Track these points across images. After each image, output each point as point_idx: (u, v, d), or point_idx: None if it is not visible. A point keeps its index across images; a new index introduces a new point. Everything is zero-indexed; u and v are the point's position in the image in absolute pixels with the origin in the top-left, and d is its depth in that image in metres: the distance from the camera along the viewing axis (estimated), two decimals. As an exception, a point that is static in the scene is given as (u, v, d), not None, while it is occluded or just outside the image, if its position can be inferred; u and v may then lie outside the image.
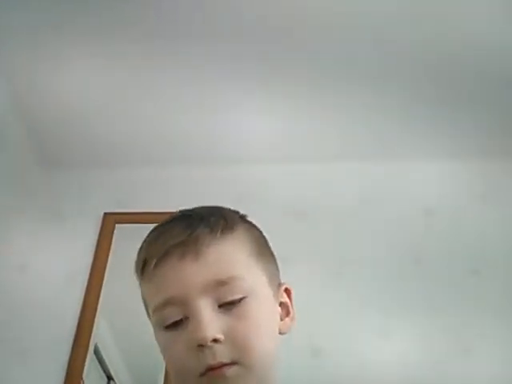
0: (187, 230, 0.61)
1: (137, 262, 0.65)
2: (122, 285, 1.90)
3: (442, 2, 1.63)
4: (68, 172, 2.16)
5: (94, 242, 1.96)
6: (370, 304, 1.73)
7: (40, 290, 1.85)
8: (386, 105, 1.93)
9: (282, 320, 0.64)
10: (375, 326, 1.70)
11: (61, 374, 1.68)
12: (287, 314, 0.66)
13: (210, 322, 0.56)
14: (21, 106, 1.98)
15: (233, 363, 0.56)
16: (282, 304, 0.66)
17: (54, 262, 1.92)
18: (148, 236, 0.66)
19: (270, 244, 0.70)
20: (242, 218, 0.69)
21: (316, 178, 2.06)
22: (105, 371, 1.78)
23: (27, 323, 1.79)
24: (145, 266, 0.62)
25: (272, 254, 0.68)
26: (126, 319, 1.86)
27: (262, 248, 0.66)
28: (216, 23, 1.72)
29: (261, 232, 0.69)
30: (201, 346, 0.55)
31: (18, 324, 1.79)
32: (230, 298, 0.58)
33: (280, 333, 0.63)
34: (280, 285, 0.67)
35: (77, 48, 1.79)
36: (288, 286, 0.68)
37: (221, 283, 0.58)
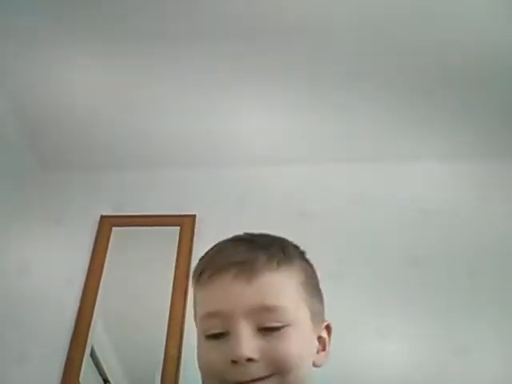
0: (247, 252, 0.65)
1: (195, 269, 0.70)
2: (119, 287, 1.91)
3: (442, 3, 1.64)
4: (66, 175, 2.17)
5: (91, 245, 1.96)
6: (368, 304, 1.74)
7: (38, 293, 1.86)
8: (384, 106, 1.95)
9: (317, 353, 0.68)
10: (373, 327, 1.71)
11: (57, 377, 1.68)
12: (323, 348, 0.69)
13: (248, 343, 0.60)
14: (19, 109, 1.98)
15: (266, 376, 0.60)
16: (320, 338, 0.69)
17: (52, 265, 1.93)
18: (211, 249, 0.71)
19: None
20: (301, 254, 0.73)
21: (315, 179, 2.08)
22: (101, 374, 1.78)
23: (25, 325, 1.80)
24: (201, 274, 0.67)
25: (320, 293, 0.72)
26: (122, 322, 1.87)
27: (312, 286, 0.70)
28: (216, 23, 1.72)
29: (314, 271, 0.73)
30: (235, 363, 0.60)
31: (15, 326, 1.79)
32: (271, 325, 0.62)
33: (314, 365, 0.66)
34: (322, 321, 0.70)
35: (76, 49, 1.80)
36: (329, 324, 0.71)
37: (265, 309, 0.62)
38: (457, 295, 1.76)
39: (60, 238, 2.00)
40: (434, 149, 2.06)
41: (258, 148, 2.09)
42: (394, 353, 1.65)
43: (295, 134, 2.06)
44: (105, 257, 1.93)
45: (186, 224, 1.99)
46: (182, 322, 1.75)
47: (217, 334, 0.63)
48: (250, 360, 0.59)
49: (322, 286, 1.70)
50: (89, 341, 1.76)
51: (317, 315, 0.68)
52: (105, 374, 1.78)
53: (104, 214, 2.04)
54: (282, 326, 0.62)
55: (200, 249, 2.13)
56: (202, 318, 0.65)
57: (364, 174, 2.07)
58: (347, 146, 2.08)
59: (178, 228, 1.98)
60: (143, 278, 1.86)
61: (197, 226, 1.99)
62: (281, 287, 0.64)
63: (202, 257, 0.71)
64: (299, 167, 2.09)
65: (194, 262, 2.14)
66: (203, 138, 2.09)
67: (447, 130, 2.00)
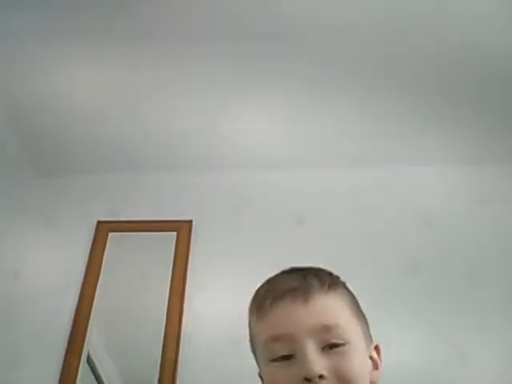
0: (301, 279, 0.70)
1: (253, 301, 0.74)
2: (115, 292, 1.91)
3: (442, 8, 1.65)
4: (62, 180, 2.17)
5: (88, 250, 1.96)
6: (368, 309, 1.75)
7: (34, 297, 1.85)
8: (384, 111, 1.96)
9: (371, 371, 0.71)
10: (374, 331, 1.71)
11: (54, 382, 1.68)
12: (376, 367, 0.73)
13: (317, 360, 0.63)
14: (15, 114, 1.98)
15: None
16: (371, 358, 0.72)
17: (48, 270, 1.93)
18: (265, 283, 0.75)
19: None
20: (341, 280, 0.77)
21: (313, 185, 2.08)
22: (97, 379, 1.78)
23: (20, 330, 1.79)
24: (261, 305, 0.70)
25: (365, 316, 0.76)
26: (118, 327, 1.86)
27: (358, 309, 0.75)
28: (216, 23, 1.71)
29: (355, 296, 0.77)
30: (307, 381, 0.62)
31: (11, 331, 1.79)
32: (334, 341, 0.65)
33: (371, 382, 0.69)
34: (371, 341, 0.74)
35: (75, 52, 1.79)
36: (378, 344, 0.75)
37: (327, 328, 0.66)
38: (455, 300, 1.77)
39: (56, 243, 2.00)
40: (435, 154, 2.07)
41: (255, 153, 2.09)
42: (393, 356, 1.66)
43: (294, 138, 2.06)
44: (101, 262, 1.93)
45: (182, 229, 1.99)
46: (179, 327, 1.75)
47: (282, 357, 0.65)
48: (321, 377, 0.62)
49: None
50: (85, 346, 1.76)
51: (366, 336, 0.73)
52: (101, 379, 1.78)
53: (100, 219, 2.04)
54: (343, 344, 0.65)
55: (197, 254, 2.14)
56: (266, 344, 0.68)
57: (363, 179, 2.07)
58: (346, 151, 2.08)
59: (175, 233, 1.99)
60: (140, 283, 1.86)
61: (193, 231, 1.99)
62: (335, 308, 0.69)
63: (259, 289, 0.75)
64: (298, 172, 2.09)
65: (191, 267, 2.14)
66: (200, 144, 2.09)
67: (449, 135, 2.01)
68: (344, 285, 0.76)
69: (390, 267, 1.85)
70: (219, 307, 1.81)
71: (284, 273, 0.75)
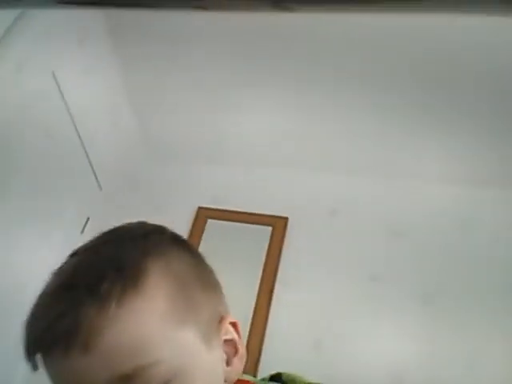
0: (70, 310, 0.44)
1: (24, 346, 0.47)
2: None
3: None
4: (172, 167, 2.27)
5: (186, 234, 2.04)
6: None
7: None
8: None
9: (228, 365, 0.51)
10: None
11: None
12: (235, 352, 0.51)
13: None
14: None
15: None
16: (227, 342, 0.51)
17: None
18: (31, 309, 0.48)
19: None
20: (162, 242, 0.51)
21: (413, 199, 2.02)
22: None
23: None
24: (28, 354, 0.46)
25: (208, 287, 0.52)
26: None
27: (190, 286, 0.50)
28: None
29: (193, 254, 0.53)
30: None
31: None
32: None
33: (227, 381, 0.51)
34: (222, 320, 0.51)
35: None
36: (232, 320, 0.52)
37: (126, 378, 0.43)
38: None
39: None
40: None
41: (352, 159, 2.06)
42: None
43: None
44: (197, 247, 1.99)
45: (278, 225, 2.00)
46: (265, 324, 1.77)
47: None
48: None
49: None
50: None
51: (210, 323, 0.50)
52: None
53: (202, 205, 2.11)
54: (166, 382, 0.44)
55: (289, 251, 2.15)
56: None
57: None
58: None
59: (270, 228, 2.00)
60: (230, 272, 1.89)
61: (288, 228, 2.00)
62: (133, 336, 0.44)
63: (24, 325, 0.47)
64: (392, 183, 2.03)
65: (282, 263, 2.15)
66: (307, 145, 2.09)
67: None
68: (160, 254, 0.49)
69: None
70: (306, 307, 1.81)
71: (51, 290, 0.47)
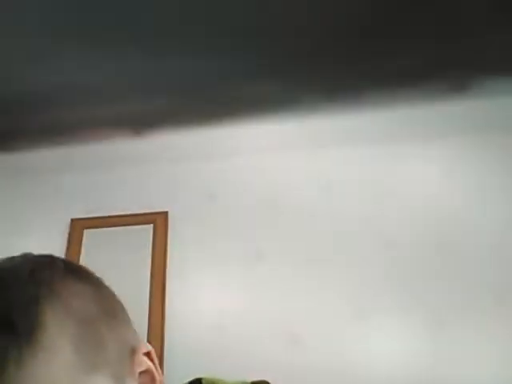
0: None
1: None
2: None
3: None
4: (35, 179, 2.12)
5: (63, 249, 1.93)
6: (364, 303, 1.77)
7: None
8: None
9: None
10: (362, 325, 1.75)
11: None
12: (152, 381, 0.48)
13: None
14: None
15: None
16: (142, 373, 0.48)
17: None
18: None
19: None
20: (54, 278, 0.44)
21: (286, 168, 2.07)
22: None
23: None
24: None
25: (113, 315, 0.48)
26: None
27: (94, 324, 0.44)
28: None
29: (91, 283, 0.49)
30: None
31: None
32: None
33: None
34: (134, 353, 0.48)
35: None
36: (146, 349, 0.49)
37: None
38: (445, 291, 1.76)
39: (31, 243, 1.96)
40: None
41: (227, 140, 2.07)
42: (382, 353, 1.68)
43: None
44: (78, 260, 1.90)
45: (158, 221, 1.97)
46: (162, 320, 1.75)
47: None
48: None
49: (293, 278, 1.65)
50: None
51: (121, 361, 0.46)
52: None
53: (74, 216, 2.01)
54: None
55: (175, 245, 2.13)
56: None
57: (331, 160, 2.08)
58: (314, 134, 2.06)
59: (151, 226, 1.97)
60: (119, 278, 1.84)
61: (170, 222, 1.98)
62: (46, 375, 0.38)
63: None
64: (270, 157, 2.08)
65: (170, 259, 2.12)
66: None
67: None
68: (54, 298, 0.42)
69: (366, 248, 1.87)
70: (201, 295, 1.82)
71: None
